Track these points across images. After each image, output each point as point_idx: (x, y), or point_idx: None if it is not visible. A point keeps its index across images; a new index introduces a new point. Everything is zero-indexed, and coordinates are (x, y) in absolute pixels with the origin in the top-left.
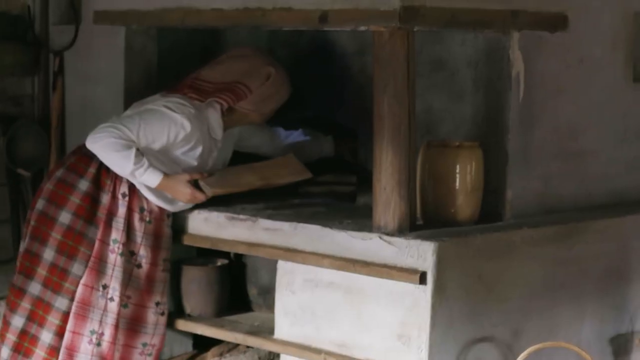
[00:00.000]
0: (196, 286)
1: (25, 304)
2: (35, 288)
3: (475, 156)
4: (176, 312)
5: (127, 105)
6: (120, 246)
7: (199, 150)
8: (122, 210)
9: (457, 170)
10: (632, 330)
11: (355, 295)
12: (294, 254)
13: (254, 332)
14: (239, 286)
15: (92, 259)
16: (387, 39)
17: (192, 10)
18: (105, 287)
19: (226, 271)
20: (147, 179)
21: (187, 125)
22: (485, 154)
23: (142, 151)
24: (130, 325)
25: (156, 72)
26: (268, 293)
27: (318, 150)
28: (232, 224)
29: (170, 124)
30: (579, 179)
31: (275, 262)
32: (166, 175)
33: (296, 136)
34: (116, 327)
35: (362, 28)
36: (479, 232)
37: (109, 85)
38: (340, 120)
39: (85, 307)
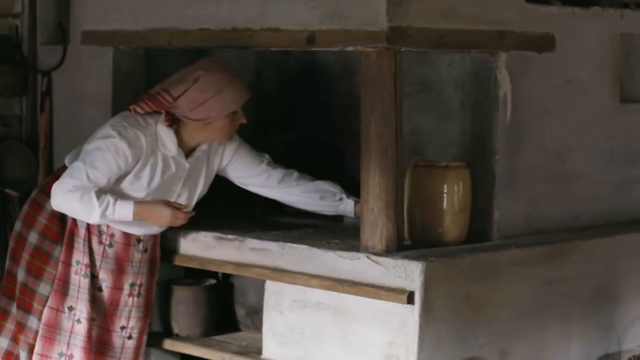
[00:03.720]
0: (184, 306)
1: (10, 325)
2: (14, 308)
3: (462, 177)
4: (164, 332)
5: None
6: (83, 267)
7: (145, 173)
8: (82, 230)
9: (445, 191)
10: (619, 350)
11: (343, 315)
12: (281, 274)
13: (241, 352)
14: (227, 306)
15: (56, 281)
16: (374, 60)
17: (179, 31)
18: (71, 308)
19: (214, 291)
20: (121, 213)
21: (127, 151)
22: (472, 174)
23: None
24: (97, 347)
25: (144, 92)
26: (256, 313)
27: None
28: (219, 244)
29: (114, 156)
30: (566, 201)
31: (263, 282)
32: (138, 202)
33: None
34: (88, 349)
35: (350, 49)
36: (467, 253)
37: (96, 106)
38: (327, 141)
39: (52, 330)
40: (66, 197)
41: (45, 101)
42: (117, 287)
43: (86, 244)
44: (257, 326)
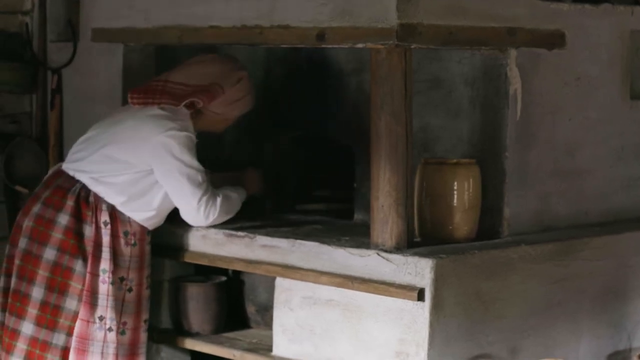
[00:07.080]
0: (194, 303)
1: (22, 345)
2: (28, 328)
3: (472, 174)
4: (174, 329)
5: None
6: (110, 275)
7: None
8: (106, 239)
9: (455, 188)
10: (630, 347)
11: (353, 312)
12: (292, 271)
13: (252, 349)
14: (237, 303)
15: (85, 292)
16: (384, 57)
17: (190, 28)
18: (102, 318)
19: (224, 288)
20: (243, 197)
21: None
22: (482, 171)
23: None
24: (130, 350)
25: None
26: (266, 310)
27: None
28: (230, 241)
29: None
30: (576, 197)
31: (273, 279)
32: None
33: None
34: (117, 356)
35: (360, 46)
36: (477, 250)
37: (107, 103)
38: (337, 138)
39: (85, 342)
40: (222, 210)
41: (55, 98)
42: (140, 284)
43: (111, 250)
44: (268, 323)
